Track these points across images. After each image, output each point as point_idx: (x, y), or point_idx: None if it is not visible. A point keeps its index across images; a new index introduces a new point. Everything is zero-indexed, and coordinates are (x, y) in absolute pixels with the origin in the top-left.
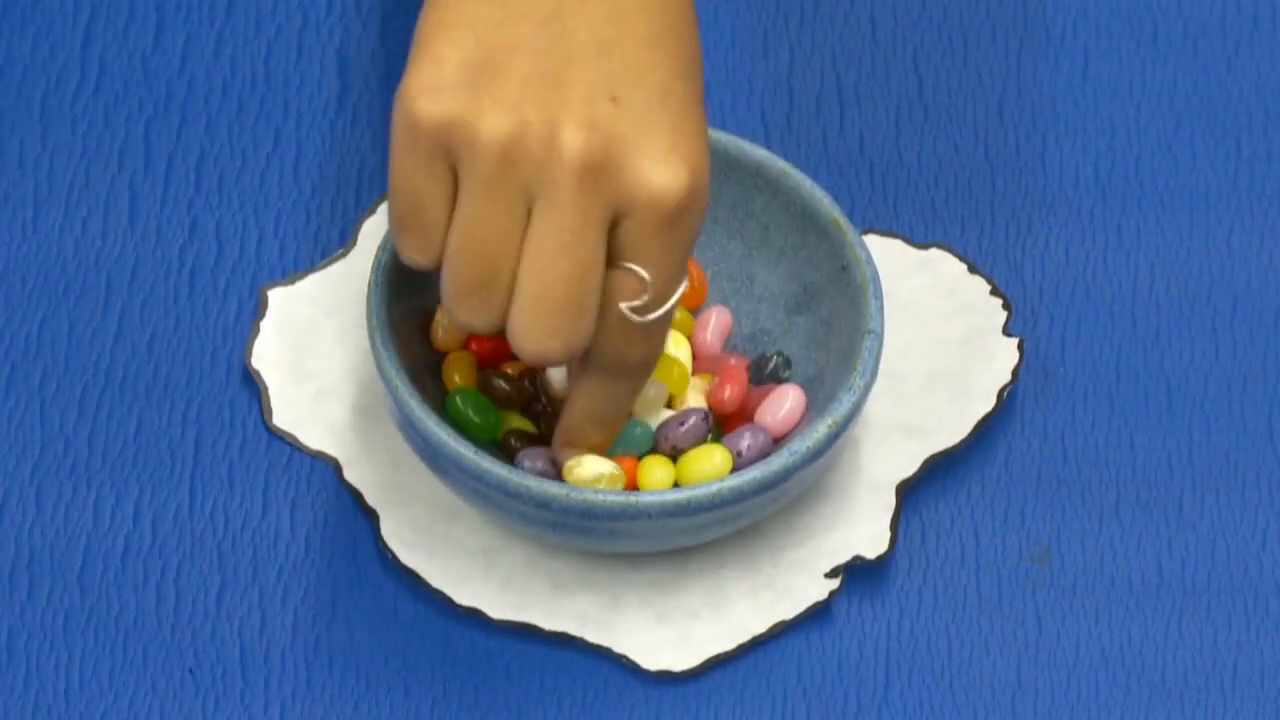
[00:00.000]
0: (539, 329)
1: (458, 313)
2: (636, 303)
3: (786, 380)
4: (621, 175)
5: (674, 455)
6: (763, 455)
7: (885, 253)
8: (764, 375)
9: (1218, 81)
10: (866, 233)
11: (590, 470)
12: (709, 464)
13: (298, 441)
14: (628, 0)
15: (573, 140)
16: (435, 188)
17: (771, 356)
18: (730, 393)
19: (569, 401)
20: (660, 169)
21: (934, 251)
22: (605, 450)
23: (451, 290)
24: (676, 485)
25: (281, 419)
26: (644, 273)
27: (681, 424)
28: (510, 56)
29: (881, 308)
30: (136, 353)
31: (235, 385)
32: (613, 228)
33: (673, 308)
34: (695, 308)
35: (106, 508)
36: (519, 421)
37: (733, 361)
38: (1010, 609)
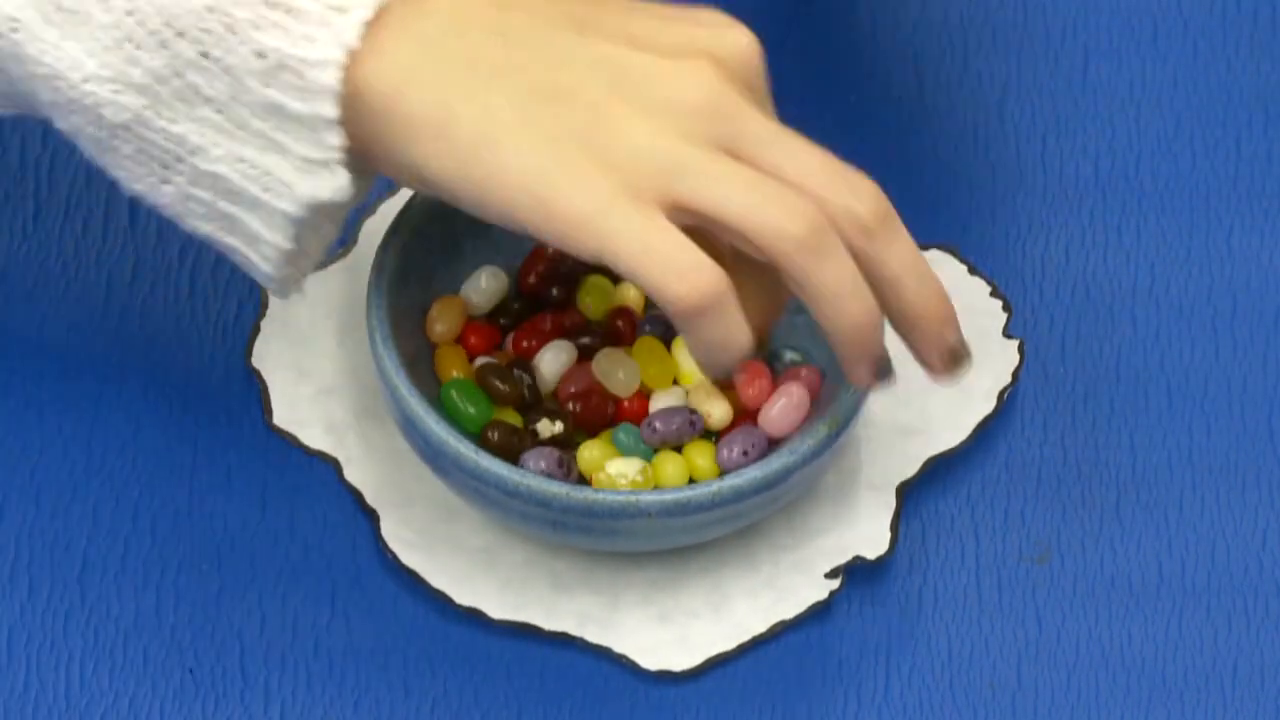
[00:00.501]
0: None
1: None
2: None
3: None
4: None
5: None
6: (760, 456)
7: None
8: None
9: (1218, 81)
10: None
11: (616, 469)
12: (688, 466)
13: (298, 441)
14: None
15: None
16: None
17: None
18: (758, 388)
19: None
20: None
21: (934, 253)
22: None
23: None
24: (692, 481)
25: (281, 419)
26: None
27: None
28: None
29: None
30: (136, 353)
31: (235, 385)
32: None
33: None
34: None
35: (106, 508)
36: (510, 416)
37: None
38: (1010, 609)
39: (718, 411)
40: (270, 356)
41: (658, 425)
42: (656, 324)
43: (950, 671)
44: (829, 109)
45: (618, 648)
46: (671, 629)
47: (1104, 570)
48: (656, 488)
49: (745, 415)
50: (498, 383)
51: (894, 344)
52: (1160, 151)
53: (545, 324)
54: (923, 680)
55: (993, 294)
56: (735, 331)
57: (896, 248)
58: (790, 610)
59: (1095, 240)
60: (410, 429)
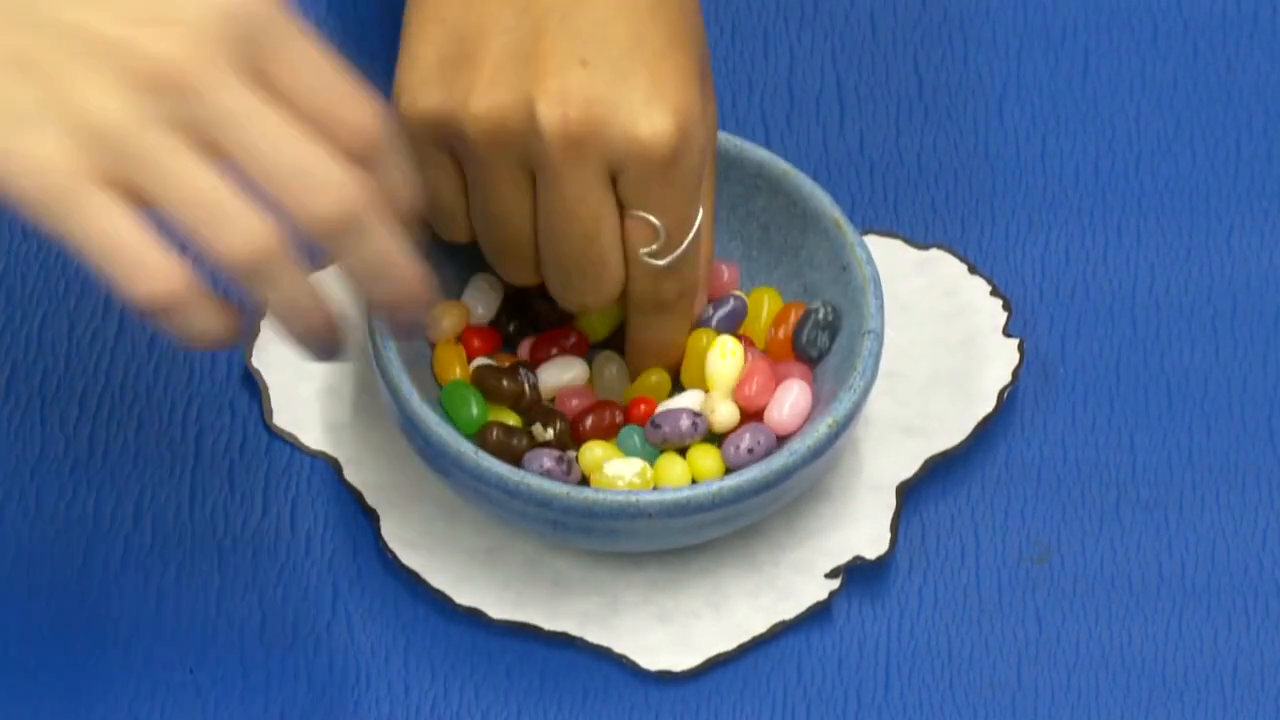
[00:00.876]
0: (567, 288)
1: (501, 274)
2: (653, 247)
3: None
4: (605, 135)
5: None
6: (767, 453)
7: (885, 253)
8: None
9: (1218, 81)
10: (866, 233)
11: (615, 470)
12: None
13: (298, 441)
14: None
15: (548, 116)
16: (444, 177)
17: (816, 309)
18: (757, 385)
19: (629, 332)
20: (641, 119)
21: (934, 252)
22: (676, 368)
23: (487, 257)
24: (694, 481)
25: (281, 419)
26: (654, 220)
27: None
28: (481, 41)
29: (882, 307)
30: (136, 353)
31: (235, 385)
32: (616, 178)
33: (690, 248)
34: (717, 299)
35: (106, 508)
36: (509, 416)
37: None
38: (1010, 609)
39: (723, 412)
40: (270, 356)
41: (661, 425)
42: None
43: (950, 671)
44: (829, 109)
45: (618, 648)
46: (672, 629)
47: (1104, 570)
48: (655, 488)
49: (752, 415)
50: (497, 383)
51: (894, 343)
52: (1160, 151)
53: (569, 338)
54: (923, 680)
55: (993, 293)
56: (207, 325)
57: (362, 245)
58: (790, 610)
59: (1095, 240)
60: (411, 429)
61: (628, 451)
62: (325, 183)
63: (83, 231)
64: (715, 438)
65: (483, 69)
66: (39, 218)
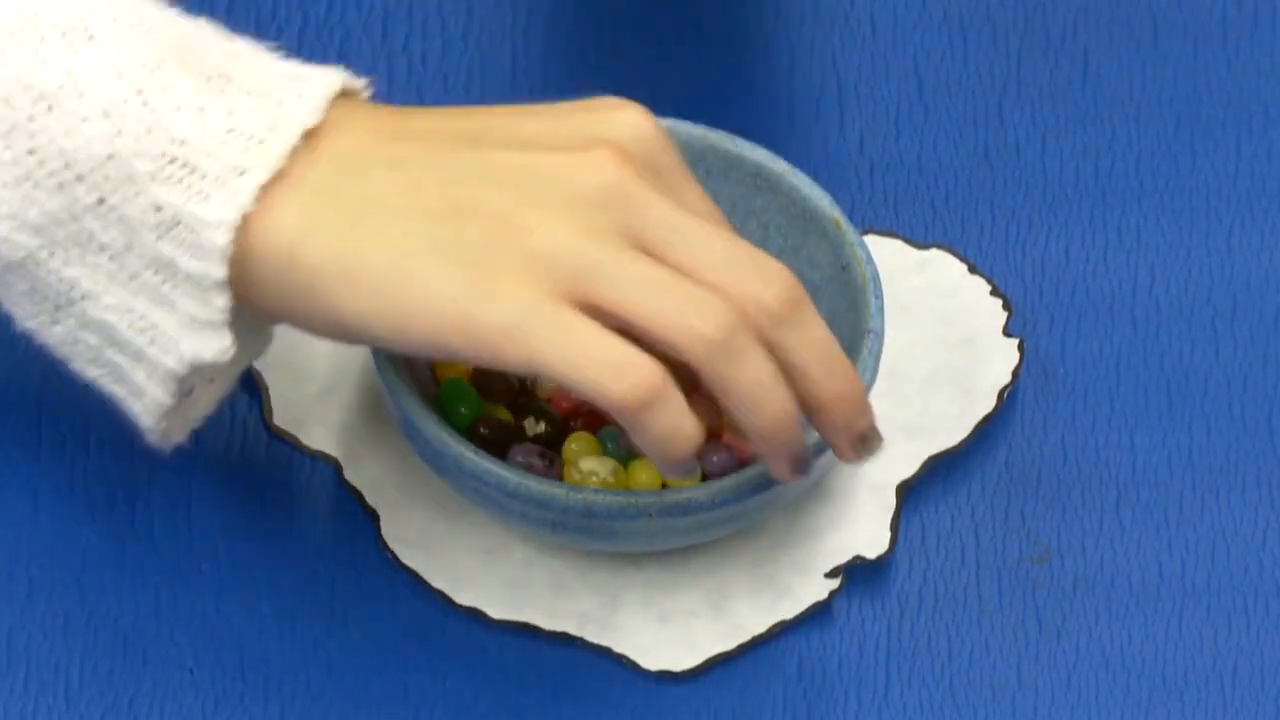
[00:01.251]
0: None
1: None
2: None
3: None
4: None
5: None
6: (732, 469)
7: (885, 253)
8: None
9: (1218, 81)
10: (866, 233)
11: (589, 467)
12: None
13: (298, 441)
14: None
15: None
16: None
17: None
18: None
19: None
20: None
21: (934, 252)
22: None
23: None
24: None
25: (281, 419)
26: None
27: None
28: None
29: (881, 307)
30: None
31: (235, 385)
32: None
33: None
34: None
35: (106, 508)
36: (501, 413)
37: None
38: (1010, 609)
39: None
40: (270, 357)
41: (624, 439)
42: None
43: (950, 671)
44: (829, 109)
45: (618, 648)
46: (672, 629)
47: (1104, 570)
48: (627, 489)
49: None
50: (492, 380)
51: (894, 342)
52: (1160, 151)
53: None
54: (922, 680)
55: (993, 293)
56: (681, 423)
57: (804, 335)
58: (790, 610)
59: (1095, 240)
60: (410, 429)
61: (605, 449)
62: (770, 271)
63: (554, 351)
64: None
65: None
66: (503, 351)
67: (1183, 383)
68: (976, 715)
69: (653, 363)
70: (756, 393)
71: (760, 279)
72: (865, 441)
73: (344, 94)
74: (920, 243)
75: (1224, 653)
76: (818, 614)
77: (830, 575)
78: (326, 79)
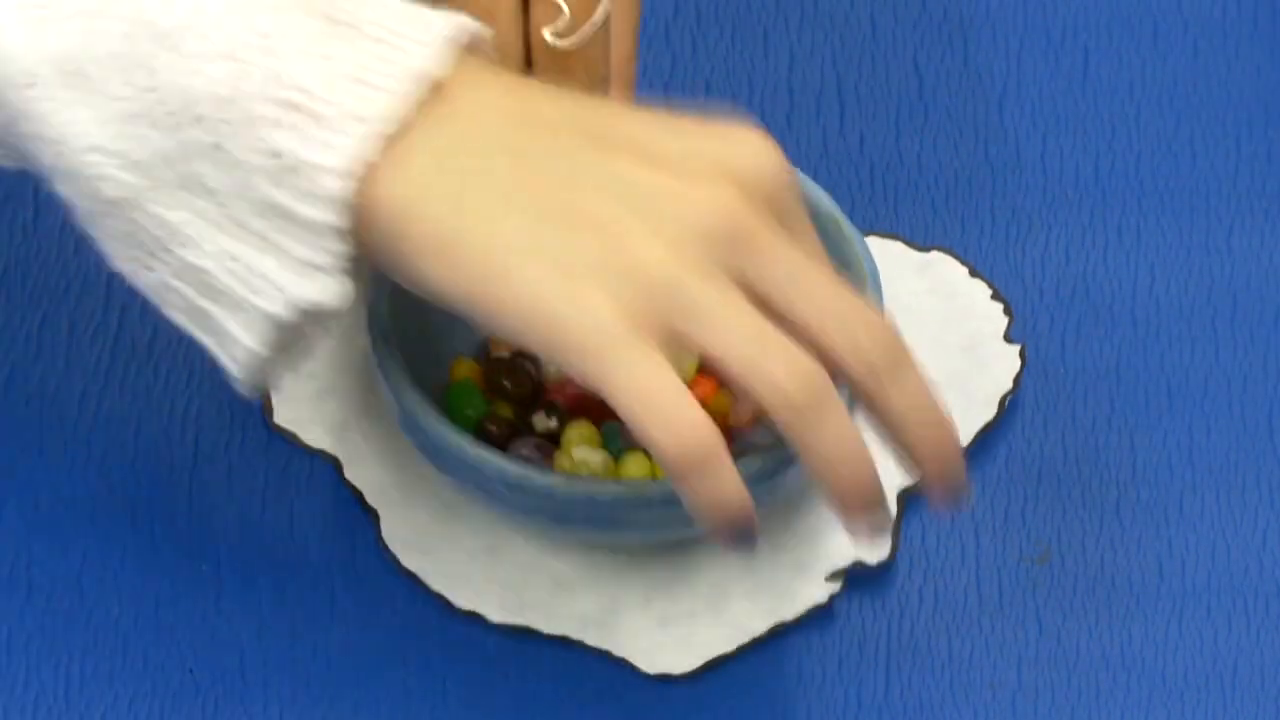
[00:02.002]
0: None
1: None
2: (556, 26)
3: None
4: None
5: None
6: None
7: (886, 255)
8: None
9: (1218, 81)
10: (867, 234)
11: (581, 456)
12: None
13: (298, 441)
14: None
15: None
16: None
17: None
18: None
19: None
20: None
21: (935, 254)
22: None
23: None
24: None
25: (281, 419)
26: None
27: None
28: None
29: (882, 305)
30: (137, 353)
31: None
32: None
33: (594, 34)
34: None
35: (106, 508)
36: (503, 409)
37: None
38: (1010, 609)
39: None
40: None
41: (623, 432)
42: None
43: (950, 672)
44: (829, 109)
45: (618, 651)
46: (671, 632)
47: (1104, 570)
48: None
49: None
50: (504, 380)
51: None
52: (1160, 151)
53: None
54: (923, 681)
55: (994, 297)
56: (726, 490)
57: (904, 389)
58: (790, 612)
59: (1095, 240)
60: (411, 426)
61: (606, 440)
62: (872, 323)
63: (624, 383)
64: None
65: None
66: (580, 364)
67: (1183, 383)
68: (976, 715)
69: (709, 427)
70: (835, 456)
71: (866, 331)
72: (959, 493)
73: (470, 44)
74: (921, 245)
75: (1224, 653)
76: (817, 615)
77: (831, 579)
78: (452, 26)
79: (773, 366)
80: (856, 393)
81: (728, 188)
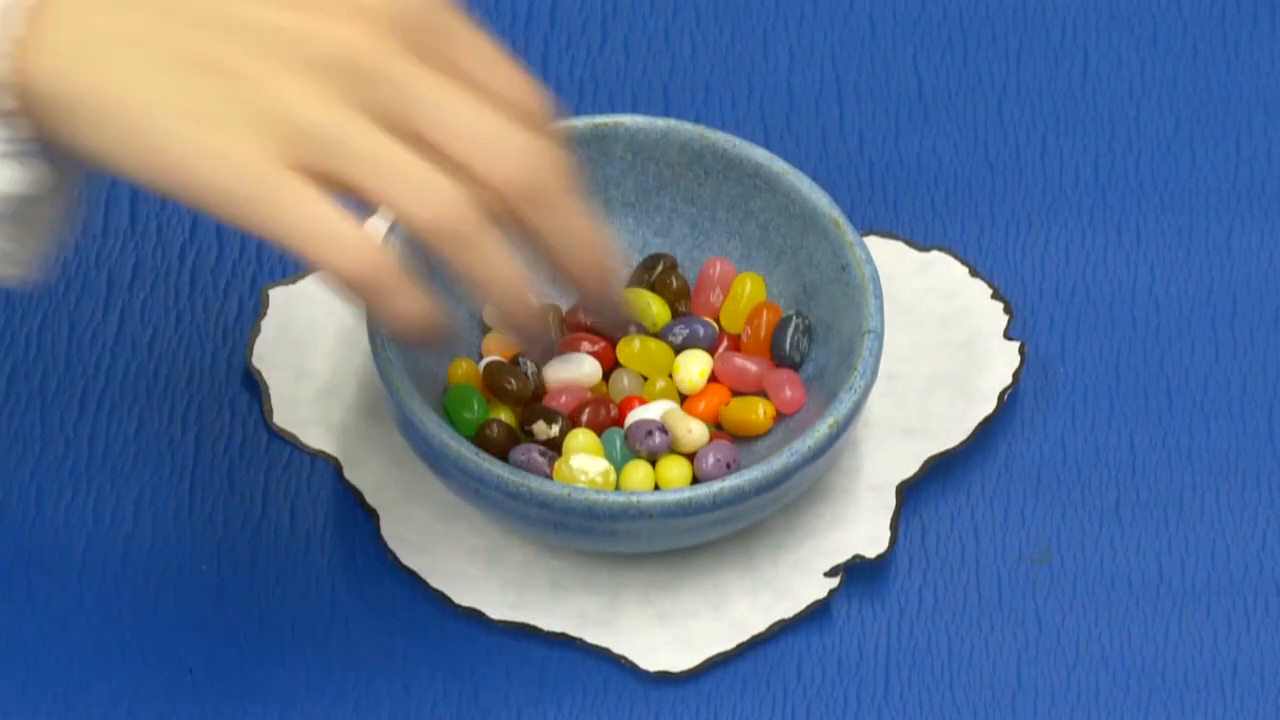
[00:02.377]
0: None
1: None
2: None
3: (794, 361)
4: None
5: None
6: (733, 467)
7: (886, 255)
8: (785, 349)
9: (1218, 81)
10: (867, 234)
11: (579, 465)
12: (670, 474)
13: (298, 441)
14: None
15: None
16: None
17: (791, 317)
18: (791, 394)
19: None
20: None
21: (935, 254)
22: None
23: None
24: (658, 487)
25: (281, 419)
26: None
27: (648, 434)
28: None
29: (881, 307)
30: (137, 353)
31: (235, 385)
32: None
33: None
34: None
35: (106, 508)
36: (504, 412)
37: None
38: (1010, 609)
39: (696, 431)
40: (270, 356)
41: (630, 437)
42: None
43: (950, 672)
44: (829, 109)
45: (617, 648)
46: (671, 629)
47: (1104, 570)
48: (617, 489)
49: (719, 434)
50: (504, 383)
51: (894, 345)
52: (1160, 151)
53: (597, 344)
54: (922, 680)
55: (994, 296)
56: (410, 306)
57: (552, 215)
58: (790, 609)
59: (1095, 240)
60: (410, 430)
61: (606, 449)
62: (518, 148)
63: (281, 219)
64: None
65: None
66: (235, 212)
67: (1183, 383)
68: (976, 715)
69: (378, 246)
70: (484, 278)
71: (518, 156)
72: (614, 314)
73: None
74: (921, 245)
75: (1224, 653)
76: (817, 614)
77: (830, 574)
78: None
79: (413, 197)
80: (509, 216)
81: (358, 22)
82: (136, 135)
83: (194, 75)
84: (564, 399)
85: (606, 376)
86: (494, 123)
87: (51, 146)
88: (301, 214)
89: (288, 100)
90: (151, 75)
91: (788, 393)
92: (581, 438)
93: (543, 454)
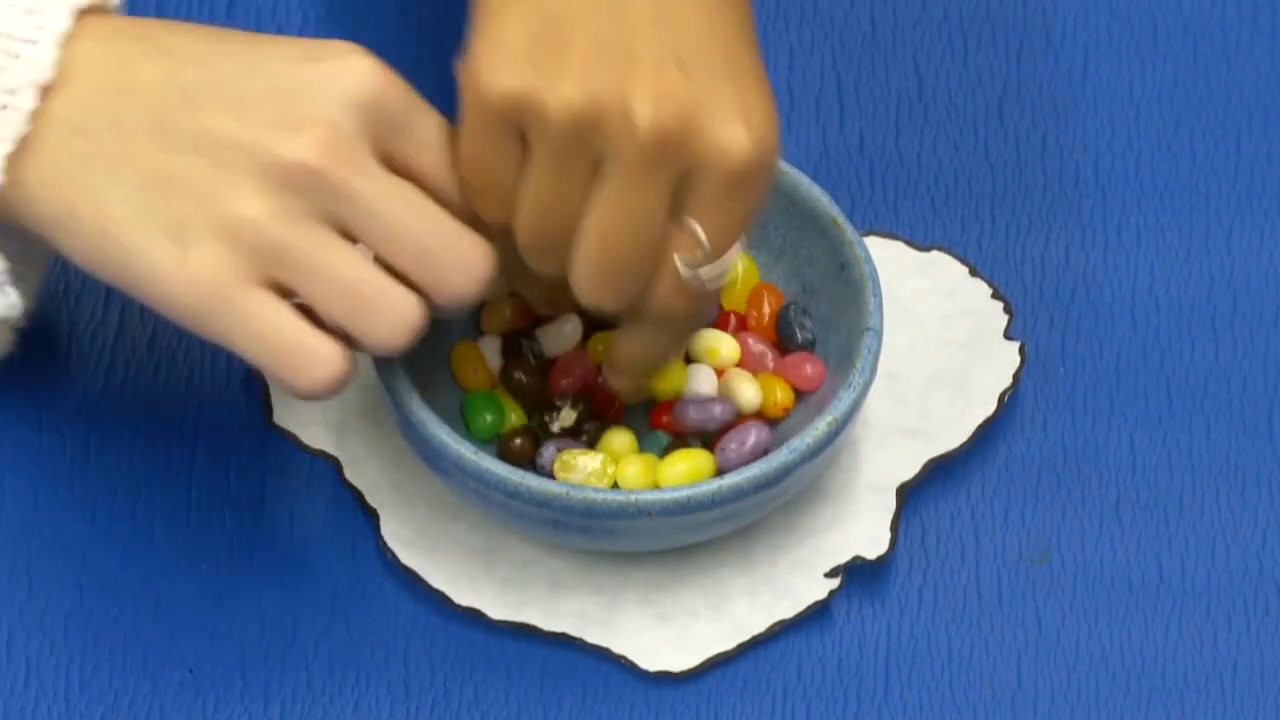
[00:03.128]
0: (598, 283)
1: (526, 259)
2: (689, 257)
3: (808, 341)
4: (691, 141)
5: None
6: (758, 453)
7: (886, 254)
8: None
9: (1218, 81)
10: (867, 234)
11: (579, 463)
12: (686, 466)
13: (298, 441)
14: None
15: (644, 112)
16: (504, 158)
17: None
18: (812, 370)
19: (619, 337)
20: (728, 130)
21: (935, 254)
22: (644, 391)
23: (520, 243)
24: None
25: (281, 419)
26: (700, 232)
27: (742, 443)
28: (573, 28)
29: (880, 305)
30: (136, 353)
31: (235, 385)
32: (680, 181)
33: (724, 272)
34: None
35: (106, 508)
36: (517, 413)
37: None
38: (1010, 609)
39: (748, 393)
40: None
41: (691, 413)
42: None
43: (950, 672)
44: (829, 109)
45: (617, 648)
46: (671, 629)
47: (1104, 570)
48: (615, 486)
49: (753, 416)
50: (522, 383)
51: (894, 345)
52: (1160, 151)
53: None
54: (922, 680)
55: (994, 296)
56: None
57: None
58: (790, 609)
59: (1095, 240)
60: (410, 430)
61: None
62: (464, 264)
63: (242, 334)
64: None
65: (574, 56)
66: (197, 325)
67: (1183, 383)
68: (976, 715)
69: (334, 349)
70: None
71: (459, 272)
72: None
73: (90, 10)
74: (921, 244)
75: (1224, 653)
76: (817, 614)
77: (830, 575)
78: (61, 14)
79: (374, 322)
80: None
81: (310, 130)
82: (106, 249)
83: (151, 189)
84: (564, 382)
85: (587, 336)
86: (442, 237)
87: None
88: (258, 330)
89: (245, 215)
90: (112, 189)
91: (808, 369)
92: (623, 440)
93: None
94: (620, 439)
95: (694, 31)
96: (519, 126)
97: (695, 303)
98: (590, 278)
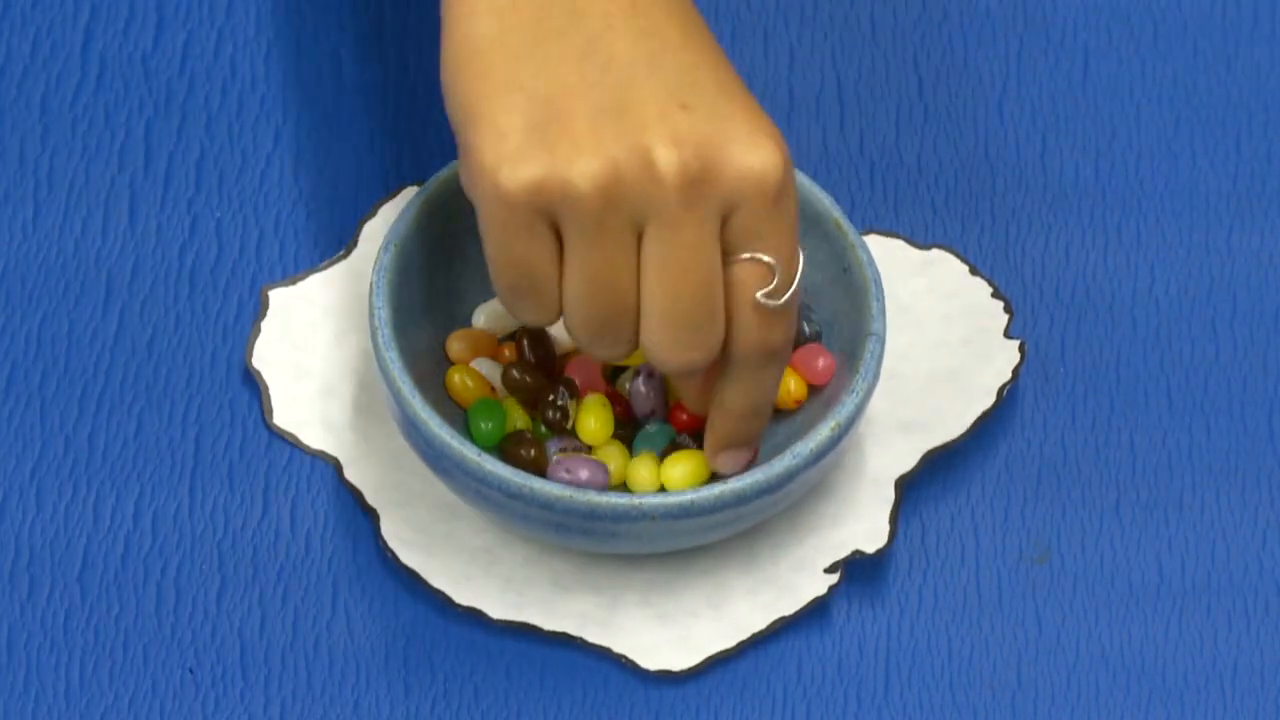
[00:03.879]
0: (677, 345)
1: (592, 352)
2: (769, 288)
3: (815, 334)
4: (721, 172)
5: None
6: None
7: (886, 253)
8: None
9: (1218, 81)
10: (867, 233)
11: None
12: (687, 467)
13: (298, 441)
14: (650, 12)
15: (667, 159)
16: (542, 250)
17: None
18: (824, 363)
19: (718, 403)
20: (752, 153)
21: (935, 253)
22: (758, 440)
23: (582, 336)
24: (663, 487)
25: (281, 419)
26: (768, 258)
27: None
28: (569, 103)
29: (883, 310)
30: (136, 353)
31: (235, 385)
32: (723, 225)
33: (797, 284)
34: None
35: (106, 508)
36: (522, 420)
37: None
38: (1010, 609)
39: (791, 386)
40: (270, 356)
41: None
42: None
43: (950, 671)
44: (829, 109)
45: (617, 648)
46: (671, 628)
47: (1104, 570)
48: (620, 490)
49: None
50: (527, 387)
51: (895, 343)
52: (1160, 151)
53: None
54: (922, 680)
55: (994, 295)
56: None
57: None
58: (790, 607)
59: (1095, 240)
60: (412, 431)
61: (647, 440)
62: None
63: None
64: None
65: (581, 128)
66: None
67: (1183, 383)
68: (976, 714)
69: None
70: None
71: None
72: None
73: None
74: (921, 244)
75: (1224, 653)
76: (817, 613)
77: (829, 570)
78: None
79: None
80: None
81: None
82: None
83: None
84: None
85: None
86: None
87: None
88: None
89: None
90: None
91: (820, 363)
92: (648, 469)
93: (577, 449)
94: (647, 469)
95: (683, 72)
96: (549, 215)
97: (788, 327)
98: (670, 337)
